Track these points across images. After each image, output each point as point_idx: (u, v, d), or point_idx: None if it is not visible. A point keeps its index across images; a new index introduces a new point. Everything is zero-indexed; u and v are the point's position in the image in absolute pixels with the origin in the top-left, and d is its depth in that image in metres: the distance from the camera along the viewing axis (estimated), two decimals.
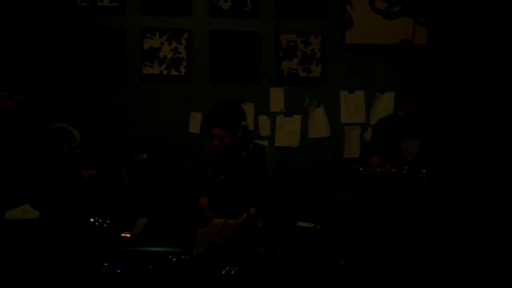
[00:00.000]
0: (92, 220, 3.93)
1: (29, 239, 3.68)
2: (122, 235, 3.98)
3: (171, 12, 4.75)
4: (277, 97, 4.81)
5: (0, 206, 3.66)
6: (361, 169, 3.48)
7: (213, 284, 3.51)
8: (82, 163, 3.84)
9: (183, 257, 3.72)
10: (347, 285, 3.74)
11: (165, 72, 4.76)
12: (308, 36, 4.77)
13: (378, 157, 3.85)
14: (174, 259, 3.71)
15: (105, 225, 3.94)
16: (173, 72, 4.76)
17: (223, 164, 3.75)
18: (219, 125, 3.60)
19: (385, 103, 4.78)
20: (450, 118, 4.60)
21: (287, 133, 4.82)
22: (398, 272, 3.59)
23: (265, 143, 4.60)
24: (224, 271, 3.45)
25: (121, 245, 3.87)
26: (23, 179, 3.73)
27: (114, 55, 4.75)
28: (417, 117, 3.84)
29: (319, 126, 4.82)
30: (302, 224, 3.96)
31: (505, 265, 3.77)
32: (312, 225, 3.99)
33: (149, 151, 3.76)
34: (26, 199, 3.70)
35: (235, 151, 3.72)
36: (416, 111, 3.82)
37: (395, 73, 4.77)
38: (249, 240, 3.48)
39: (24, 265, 3.61)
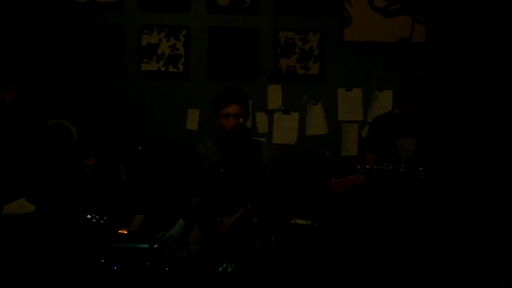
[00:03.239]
0: (89, 216, 3.93)
1: (25, 235, 3.68)
2: (119, 231, 3.98)
3: (169, 9, 4.74)
4: (275, 94, 4.80)
5: None
6: (358, 166, 3.47)
7: (210, 281, 3.50)
8: (82, 156, 3.85)
9: (180, 254, 3.72)
10: (344, 283, 3.74)
11: (163, 68, 4.75)
12: (307, 33, 4.76)
13: (374, 154, 3.85)
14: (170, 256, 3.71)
15: (102, 221, 3.95)
16: (171, 69, 4.76)
17: (222, 156, 3.65)
18: (239, 101, 3.50)
19: (383, 101, 4.78)
20: (448, 116, 4.59)
21: (285, 130, 4.82)
22: (396, 270, 3.59)
23: (262, 140, 4.60)
24: (221, 268, 3.43)
25: (118, 242, 3.87)
26: (20, 175, 3.73)
27: (112, 51, 4.74)
28: (415, 114, 3.83)
29: (317, 124, 4.82)
30: (299, 221, 3.96)
31: (505, 264, 3.77)
32: (309, 222, 3.98)
33: (143, 145, 3.86)
34: (23, 193, 3.71)
35: (235, 142, 3.62)
36: (414, 109, 3.81)
37: (393, 71, 4.76)
38: (246, 236, 3.45)
39: (21, 261, 3.62)
